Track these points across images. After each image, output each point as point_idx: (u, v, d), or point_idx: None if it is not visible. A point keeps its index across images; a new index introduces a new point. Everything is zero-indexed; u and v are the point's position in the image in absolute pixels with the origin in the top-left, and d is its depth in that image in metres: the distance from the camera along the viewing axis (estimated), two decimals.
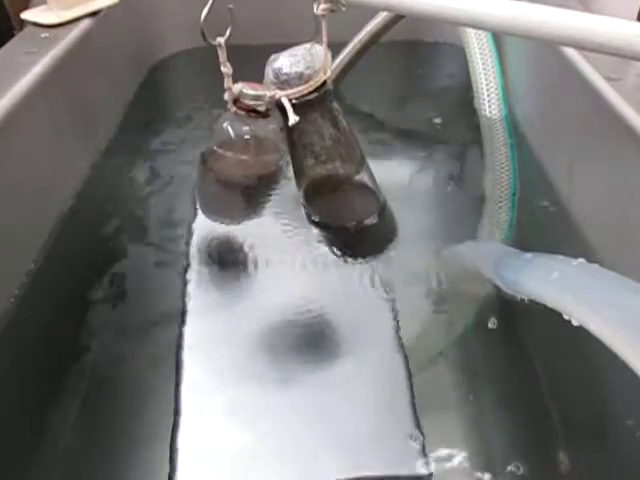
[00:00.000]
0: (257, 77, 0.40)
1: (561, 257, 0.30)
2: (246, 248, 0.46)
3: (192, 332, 0.39)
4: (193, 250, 0.45)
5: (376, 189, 0.48)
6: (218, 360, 0.37)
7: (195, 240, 0.46)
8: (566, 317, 0.26)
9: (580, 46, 0.25)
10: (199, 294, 0.42)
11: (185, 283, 0.42)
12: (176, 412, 0.34)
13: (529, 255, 0.33)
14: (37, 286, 0.43)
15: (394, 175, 0.55)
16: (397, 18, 0.59)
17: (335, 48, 0.46)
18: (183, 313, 0.40)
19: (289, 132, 0.42)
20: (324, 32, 0.38)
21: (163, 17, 0.75)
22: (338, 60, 0.62)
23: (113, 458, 0.33)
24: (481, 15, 0.27)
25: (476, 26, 0.29)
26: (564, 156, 0.50)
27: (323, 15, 0.36)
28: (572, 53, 0.48)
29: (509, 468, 0.32)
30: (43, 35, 0.53)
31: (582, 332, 0.25)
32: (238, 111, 0.38)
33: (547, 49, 0.53)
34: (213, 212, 0.46)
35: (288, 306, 0.41)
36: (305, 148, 0.43)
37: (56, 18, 0.55)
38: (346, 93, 0.65)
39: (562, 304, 0.27)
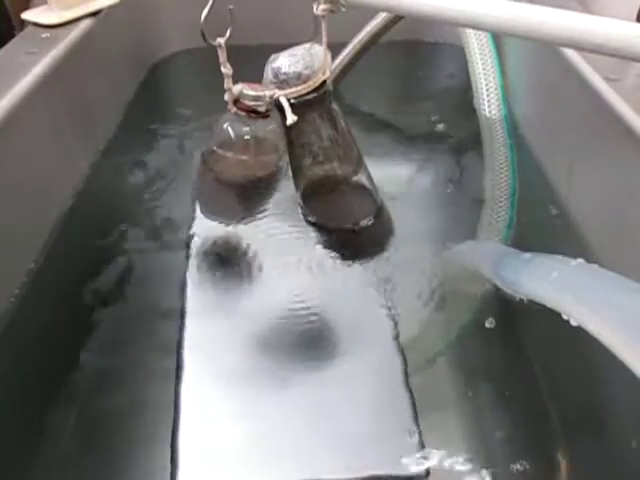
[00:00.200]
0: (257, 77, 0.40)
1: (560, 257, 0.30)
2: (245, 248, 0.46)
3: (192, 332, 0.39)
4: (193, 250, 0.45)
5: (374, 190, 0.48)
6: (218, 360, 0.37)
7: (195, 240, 0.46)
8: (565, 317, 0.26)
9: (579, 47, 0.25)
10: (199, 294, 0.42)
11: (185, 283, 0.43)
12: (176, 412, 0.34)
13: (528, 255, 0.33)
14: (37, 286, 0.43)
15: (393, 175, 0.55)
16: (397, 19, 0.59)
17: (335, 48, 0.46)
18: (183, 313, 0.40)
19: (287, 132, 0.42)
20: (324, 32, 0.38)
21: (163, 17, 0.75)
22: (338, 60, 0.62)
23: (113, 458, 0.33)
24: (481, 16, 0.27)
25: (476, 27, 0.29)
26: (563, 156, 0.50)
27: (323, 15, 0.36)
28: (572, 54, 0.48)
29: (508, 467, 0.32)
30: (43, 35, 0.53)
31: (581, 332, 0.25)
32: (238, 112, 0.39)
33: (547, 50, 0.53)
34: (213, 212, 0.46)
35: (287, 306, 0.41)
36: (303, 148, 0.43)
37: (56, 18, 0.55)
38: (346, 93, 0.66)
39: (561, 304, 0.27)
